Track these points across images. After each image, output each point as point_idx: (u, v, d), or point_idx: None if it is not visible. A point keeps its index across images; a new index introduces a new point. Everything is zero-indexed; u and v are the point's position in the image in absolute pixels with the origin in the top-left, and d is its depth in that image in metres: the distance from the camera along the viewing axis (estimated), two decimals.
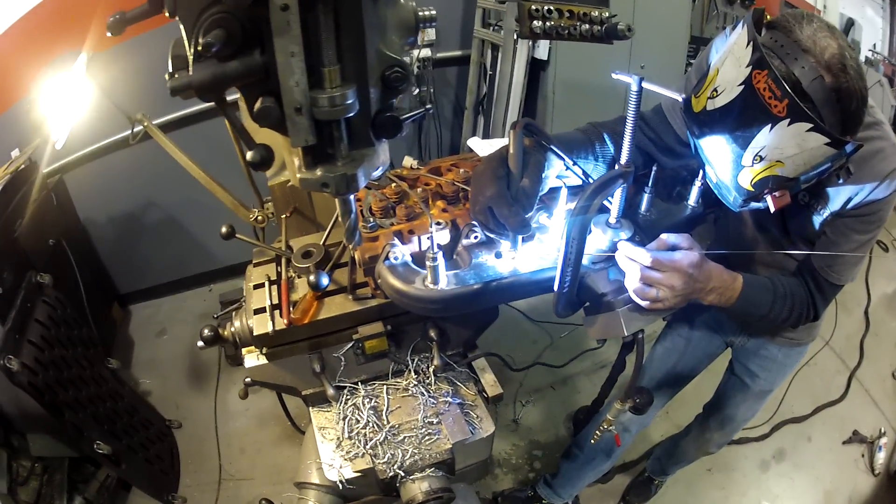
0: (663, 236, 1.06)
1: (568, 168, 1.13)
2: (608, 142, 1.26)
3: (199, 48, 0.59)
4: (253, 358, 1.40)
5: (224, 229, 1.44)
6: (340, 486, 1.28)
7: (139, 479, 2.24)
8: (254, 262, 1.50)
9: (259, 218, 2.04)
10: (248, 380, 1.46)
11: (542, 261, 1.11)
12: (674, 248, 1.06)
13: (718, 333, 1.75)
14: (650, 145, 1.33)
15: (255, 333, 1.30)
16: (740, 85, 0.91)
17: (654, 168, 1.27)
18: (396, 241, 1.16)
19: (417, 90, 3.36)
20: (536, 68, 3.04)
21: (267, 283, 1.39)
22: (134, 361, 3.08)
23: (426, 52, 3.21)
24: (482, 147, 1.58)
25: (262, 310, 1.32)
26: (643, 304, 1.04)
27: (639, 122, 1.32)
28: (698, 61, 1.24)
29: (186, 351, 3.09)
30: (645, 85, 0.93)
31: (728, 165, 1.00)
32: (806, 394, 2.84)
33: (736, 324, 1.67)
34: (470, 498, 1.43)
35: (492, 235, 1.09)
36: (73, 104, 1.81)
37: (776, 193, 0.98)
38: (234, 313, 1.44)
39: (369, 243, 1.17)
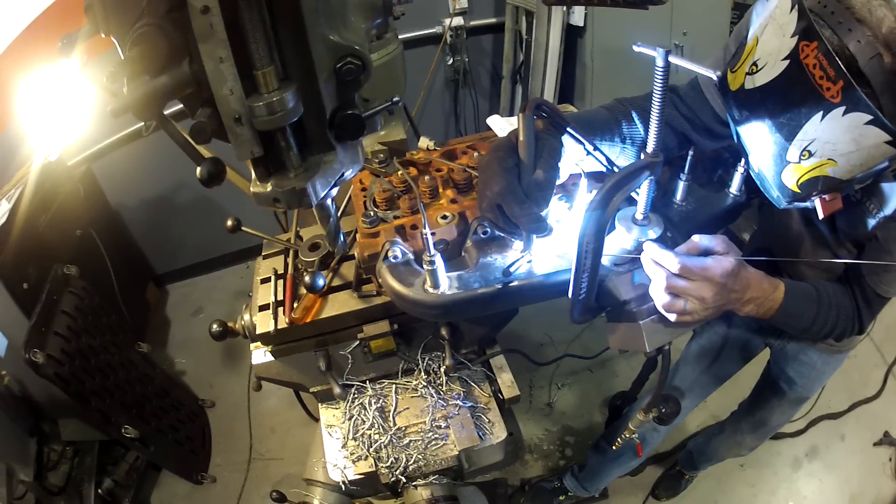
0: (695, 238, 0.90)
1: (589, 153, 0.99)
2: (637, 121, 1.09)
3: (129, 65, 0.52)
4: (260, 354, 1.36)
5: (229, 222, 1.38)
6: (343, 487, 1.23)
7: (168, 460, 2.26)
8: (263, 253, 1.45)
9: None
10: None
11: (559, 260, 0.99)
12: (707, 251, 0.89)
13: (758, 334, 1.59)
14: (685, 124, 1.15)
15: (257, 331, 1.25)
16: (784, 59, 0.74)
17: (692, 152, 1.11)
18: (398, 237, 1.06)
19: (452, 60, 3.22)
20: (573, 35, 2.85)
21: (273, 278, 1.33)
22: (170, 341, 3.11)
23: (459, 21, 3.05)
24: (502, 126, 1.44)
25: (267, 306, 1.27)
26: (669, 316, 0.90)
27: (672, 98, 1.16)
28: (737, 28, 1.05)
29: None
30: (673, 60, 0.77)
31: (770, 159, 0.83)
32: (843, 388, 2.65)
33: None
34: (478, 500, 1.36)
35: (502, 234, 0.98)
36: (67, 109, 1.74)
37: (826, 197, 0.82)
38: (245, 305, 1.41)
39: (369, 240, 1.08)
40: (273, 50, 0.56)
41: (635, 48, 0.80)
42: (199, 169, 0.64)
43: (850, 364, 2.67)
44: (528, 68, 3.11)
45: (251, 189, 0.69)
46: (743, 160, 1.15)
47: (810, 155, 0.77)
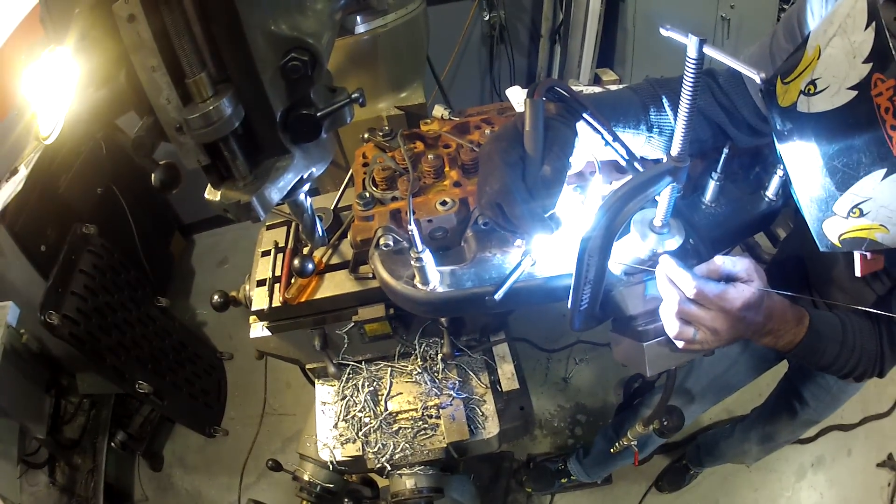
0: (717, 260, 0.77)
1: (607, 144, 0.87)
2: (668, 108, 0.94)
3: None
4: (258, 327, 1.33)
5: None
6: (331, 466, 1.21)
7: (181, 414, 2.28)
8: (266, 224, 1.40)
9: None
10: None
11: (564, 259, 0.89)
12: (728, 277, 0.76)
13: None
14: (722, 115, 0.99)
15: (252, 308, 1.21)
16: (852, 88, 0.58)
17: (727, 149, 0.97)
18: (393, 224, 0.98)
19: (488, 16, 3.03)
20: None
21: (273, 251, 1.28)
22: (193, 291, 3.10)
23: None
24: (519, 102, 1.33)
25: (264, 282, 1.23)
26: (677, 343, 0.79)
27: (709, 85, 0.99)
28: (787, 17, 0.86)
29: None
30: (708, 51, 0.64)
31: (813, 202, 0.68)
32: (858, 399, 2.48)
33: None
34: (466, 491, 1.33)
35: (504, 232, 0.88)
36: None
37: (867, 254, 0.69)
38: (247, 276, 1.37)
39: (363, 223, 1.00)
40: (204, 53, 0.49)
41: (663, 32, 0.66)
42: (153, 176, 0.60)
43: None
44: (568, 28, 2.90)
45: (206, 196, 0.62)
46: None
47: (861, 214, 0.63)
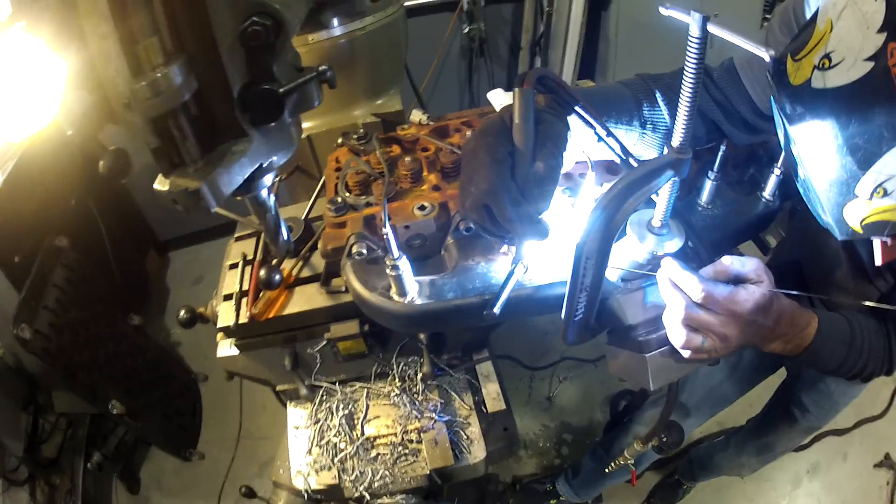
0: (725, 260, 0.70)
1: (600, 140, 0.80)
2: (661, 103, 0.88)
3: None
4: (226, 346, 1.23)
5: None
6: (306, 495, 1.10)
7: (156, 435, 2.17)
8: (236, 235, 1.30)
9: None
10: None
11: (555, 268, 0.81)
12: (737, 279, 0.70)
13: (772, 356, 1.41)
14: (717, 112, 0.94)
15: (218, 324, 1.11)
16: (868, 60, 0.55)
17: (724, 147, 0.91)
18: (366, 230, 0.89)
19: (468, 29, 2.99)
20: (598, 7, 2.60)
21: (241, 263, 1.18)
22: (168, 310, 2.98)
23: None
24: (505, 101, 1.26)
25: (231, 296, 1.13)
26: (683, 352, 0.71)
27: (704, 82, 0.93)
28: (783, 10, 0.82)
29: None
30: (712, 29, 0.57)
31: (832, 186, 0.63)
32: (852, 403, 2.51)
33: None
34: None
35: (490, 238, 0.80)
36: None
37: (887, 240, 0.63)
38: (215, 291, 1.28)
39: (335, 230, 0.91)
40: (158, 18, 0.41)
41: (663, 11, 0.60)
42: (100, 163, 0.56)
43: None
44: (549, 40, 2.88)
45: (155, 186, 0.54)
46: (780, 161, 0.95)
47: (885, 194, 0.58)
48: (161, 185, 0.50)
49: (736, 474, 1.84)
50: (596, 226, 0.61)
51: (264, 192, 0.61)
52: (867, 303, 0.83)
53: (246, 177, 0.50)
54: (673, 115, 0.89)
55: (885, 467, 2.33)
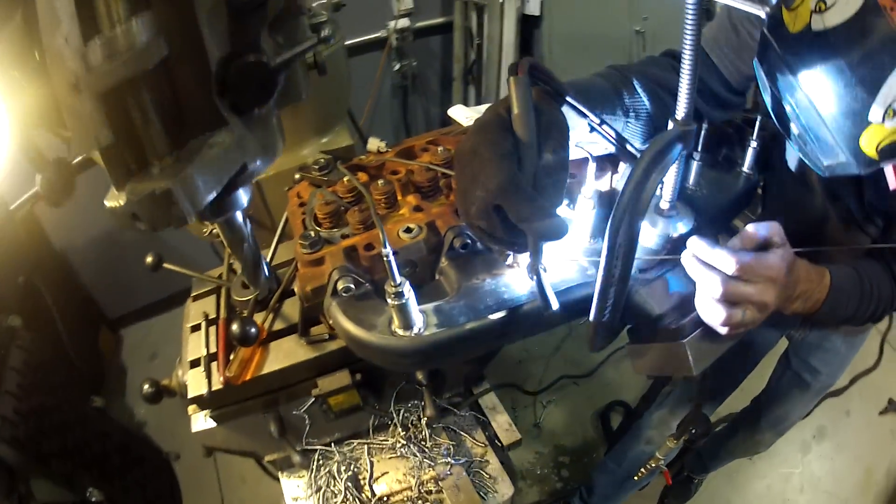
0: (750, 228, 0.68)
1: (593, 129, 0.74)
2: (639, 90, 0.86)
3: None
4: (200, 418, 1.07)
5: (149, 258, 1.13)
6: None
7: None
8: (192, 294, 1.17)
9: (215, 232, 1.67)
10: None
11: (569, 272, 0.75)
12: (765, 244, 0.69)
13: (777, 327, 1.41)
14: None
15: (189, 394, 0.97)
16: None
17: (705, 125, 0.90)
18: (349, 263, 0.80)
19: (399, 66, 2.99)
20: (529, 26, 2.65)
21: (204, 324, 1.05)
22: (128, 390, 2.78)
23: (404, 23, 2.82)
24: (468, 116, 1.21)
25: (199, 362, 0.99)
26: (721, 330, 0.67)
27: (672, 65, 0.94)
28: None
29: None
30: None
31: (846, 119, 0.64)
32: None
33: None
34: None
35: (497, 247, 0.72)
36: None
37: None
38: (178, 360, 1.13)
39: (311, 269, 0.80)
40: None
41: None
42: (37, 178, 0.47)
43: None
44: (481, 66, 2.91)
45: (106, 203, 0.42)
46: (755, 132, 0.95)
47: (895, 114, 0.60)
48: (112, 200, 0.39)
49: (753, 453, 1.83)
50: (628, 207, 0.55)
51: (240, 215, 0.50)
52: (868, 245, 0.85)
53: (227, 181, 0.40)
54: (652, 101, 0.87)
55: (891, 411, 2.37)
